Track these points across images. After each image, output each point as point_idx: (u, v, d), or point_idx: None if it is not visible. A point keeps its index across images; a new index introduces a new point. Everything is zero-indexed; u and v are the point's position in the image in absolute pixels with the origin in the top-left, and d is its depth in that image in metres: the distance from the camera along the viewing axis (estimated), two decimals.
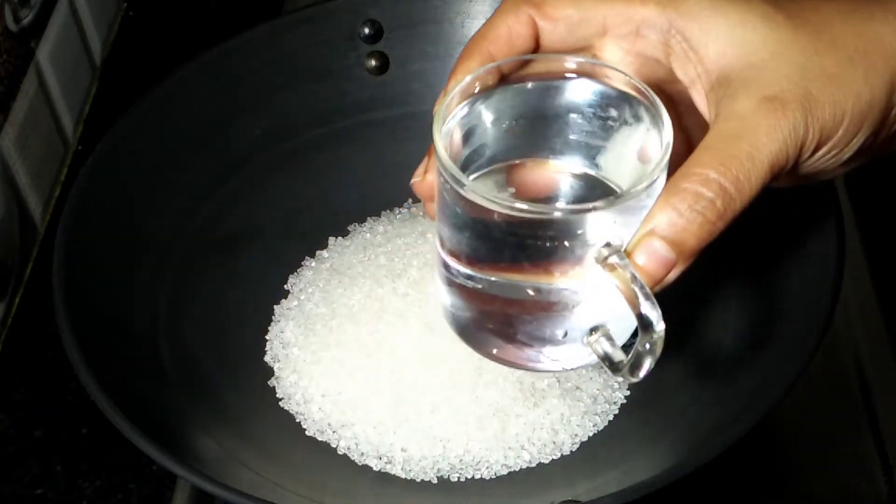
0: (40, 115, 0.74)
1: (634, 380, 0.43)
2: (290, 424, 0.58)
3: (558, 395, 0.57)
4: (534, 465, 0.56)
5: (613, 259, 0.41)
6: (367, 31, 0.66)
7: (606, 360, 0.44)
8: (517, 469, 0.56)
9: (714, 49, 0.44)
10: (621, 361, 0.44)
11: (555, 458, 0.56)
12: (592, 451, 0.56)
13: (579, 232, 0.41)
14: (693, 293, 0.60)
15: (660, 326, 0.40)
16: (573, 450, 0.57)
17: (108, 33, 0.86)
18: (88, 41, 0.82)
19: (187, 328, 0.60)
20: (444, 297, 0.48)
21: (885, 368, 0.64)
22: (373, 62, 0.67)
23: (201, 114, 0.64)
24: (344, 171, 0.67)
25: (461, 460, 0.56)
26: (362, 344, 0.59)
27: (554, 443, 0.56)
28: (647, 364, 0.42)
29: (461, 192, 0.42)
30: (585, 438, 0.57)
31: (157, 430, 0.49)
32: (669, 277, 0.41)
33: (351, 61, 0.67)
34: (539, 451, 0.56)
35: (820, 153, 0.44)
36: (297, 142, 0.67)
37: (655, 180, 0.41)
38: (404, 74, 0.67)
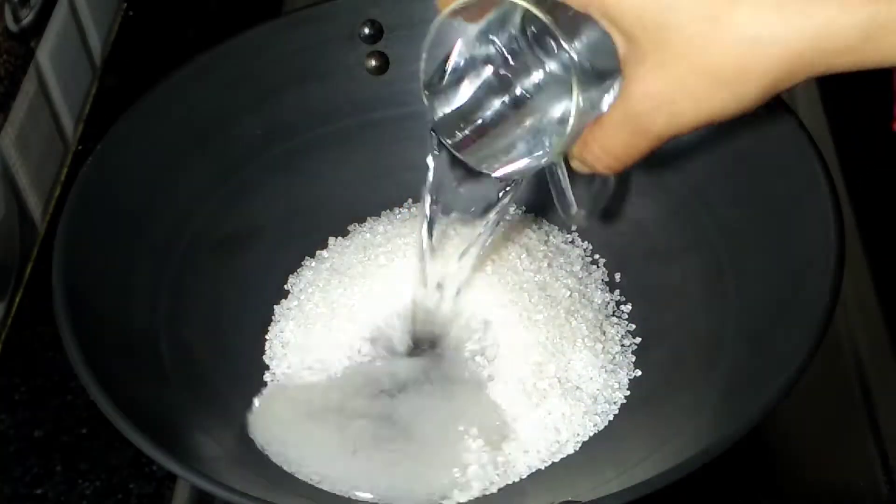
0: (40, 115, 0.74)
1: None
2: None
3: (559, 395, 0.57)
4: (534, 465, 0.56)
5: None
6: (367, 31, 0.66)
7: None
8: (517, 469, 0.56)
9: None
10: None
11: (555, 458, 0.56)
12: (593, 450, 0.56)
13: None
14: (692, 292, 0.60)
15: (571, 211, 0.52)
16: (574, 450, 0.56)
17: (108, 33, 0.86)
18: (88, 41, 0.83)
19: (187, 328, 0.59)
20: None
21: (885, 368, 0.64)
22: (373, 62, 0.67)
23: (201, 114, 0.64)
24: (344, 171, 0.67)
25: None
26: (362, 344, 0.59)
27: (556, 442, 0.56)
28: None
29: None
30: (586, 438, 0.57)
31: (157, 430, 0.49)
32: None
33: (351, 61, 0.67)
34: (539, 451, 0.56)
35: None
36: (297, 142, 0.67)
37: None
38: (404, 74, 0.67)
